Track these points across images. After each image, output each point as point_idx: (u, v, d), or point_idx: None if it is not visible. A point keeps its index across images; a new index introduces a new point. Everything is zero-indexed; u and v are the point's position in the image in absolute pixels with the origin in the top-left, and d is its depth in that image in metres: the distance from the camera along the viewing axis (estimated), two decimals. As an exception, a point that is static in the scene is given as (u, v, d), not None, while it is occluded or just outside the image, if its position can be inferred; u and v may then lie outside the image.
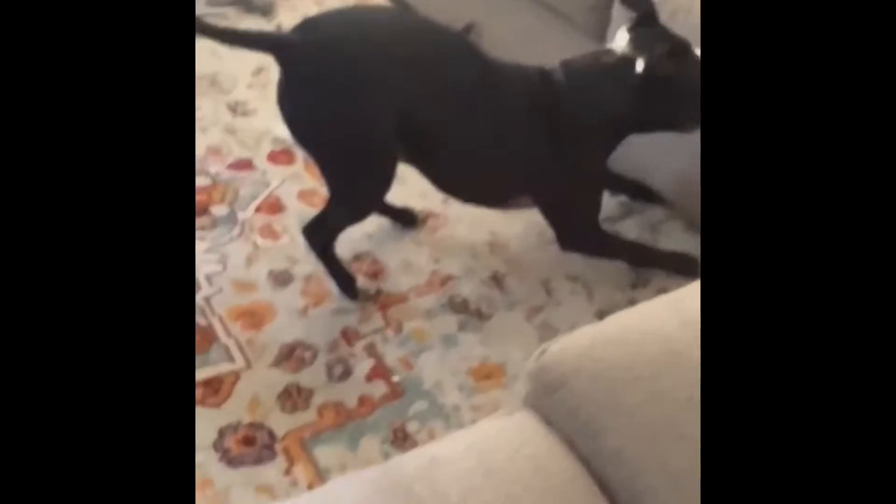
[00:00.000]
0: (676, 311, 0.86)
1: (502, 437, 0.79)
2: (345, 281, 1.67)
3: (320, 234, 1.61)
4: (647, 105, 1.53)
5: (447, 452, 0.77)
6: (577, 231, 1.73)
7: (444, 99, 1.51)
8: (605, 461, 0.78)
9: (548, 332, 1.63)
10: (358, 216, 1.63)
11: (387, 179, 1.55)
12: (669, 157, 1.81)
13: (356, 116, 1.44)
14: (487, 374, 1.54)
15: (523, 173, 1.64)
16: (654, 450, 0.77)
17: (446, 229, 1.89)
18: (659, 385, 0.79)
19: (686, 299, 0.88)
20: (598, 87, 1.56)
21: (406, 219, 1.87)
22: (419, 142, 1.52)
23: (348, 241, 1.68)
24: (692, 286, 0.92)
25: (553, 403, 0.83)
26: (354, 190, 1.56)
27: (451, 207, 1.94)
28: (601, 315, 1.58)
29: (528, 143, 1.60)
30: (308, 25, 1.50)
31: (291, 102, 1.45)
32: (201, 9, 2.80)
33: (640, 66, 1.50)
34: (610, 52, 1.58)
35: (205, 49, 2.57)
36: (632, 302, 1.66)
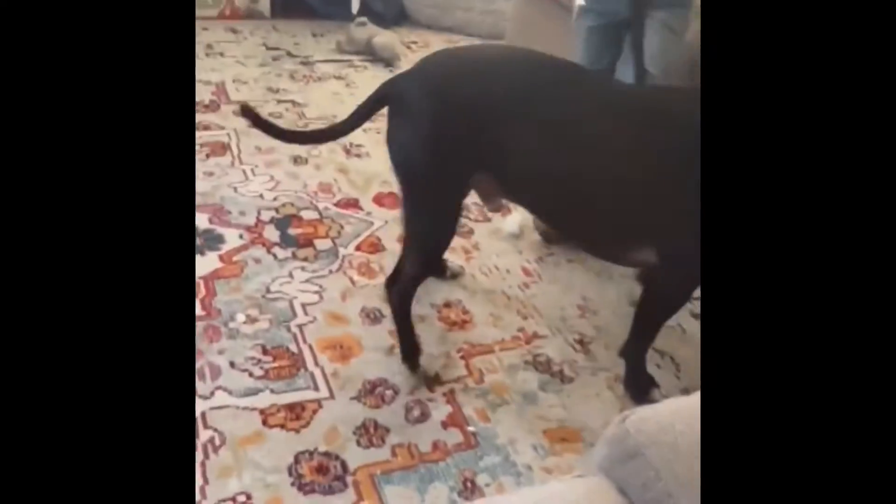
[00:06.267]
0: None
1: (571, 497, 0.78)
2: (410, 348, 1.63)
3: (398, 285, 1.61)
4: None
5: (516, 504, 0.77)
6: (682, 294, 1.49)
7: (552, 128, 1.38)
8: (676, 538, 0.76)
9: (630, 403, 1.59)
10: (429, 259, 1.62)
11: (456, 217, 1.54)
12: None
13: (436, 149, 1.43)
14: (564, 437, 1.52)
15: (654, 214, 1.36)
16: (729, 532, 0.74)
17: (538, 287, 1.90)
18: (740, 467, 0.77)
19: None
20: None
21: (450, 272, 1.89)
22: (521, 176, 1.44)
23: (440, 290, 1.71)
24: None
25: (628, 472, 0.81)
26: (428, 226, 1.54)
27: (545, 267, 1.96)
28: (686, 392, 1.54)
29: (663, 175, 1.32)
30: (420, 63, 1.51)
31: (390, 132, 1.50)
32: (329, 55, 2.96)
33: None
34: None
35: (328, 92, 2.73)
36: (721, 384, 1.61)
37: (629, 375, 1.61)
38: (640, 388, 1.60)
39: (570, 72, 1.47)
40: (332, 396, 1.55)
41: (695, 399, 0.85)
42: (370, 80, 2.77)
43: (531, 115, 1.37)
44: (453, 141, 1.41)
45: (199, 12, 2.98)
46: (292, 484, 1.36)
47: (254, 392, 1.53)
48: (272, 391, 1.53)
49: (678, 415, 0.82)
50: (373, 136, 2.47)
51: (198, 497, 1.30)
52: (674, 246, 1.37)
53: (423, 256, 1.59)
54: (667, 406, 0.84)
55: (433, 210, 1.52)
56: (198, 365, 1.56)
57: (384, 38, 2.99)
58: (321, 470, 1.40)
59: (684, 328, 1.80)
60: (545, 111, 1.37)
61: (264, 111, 2.51)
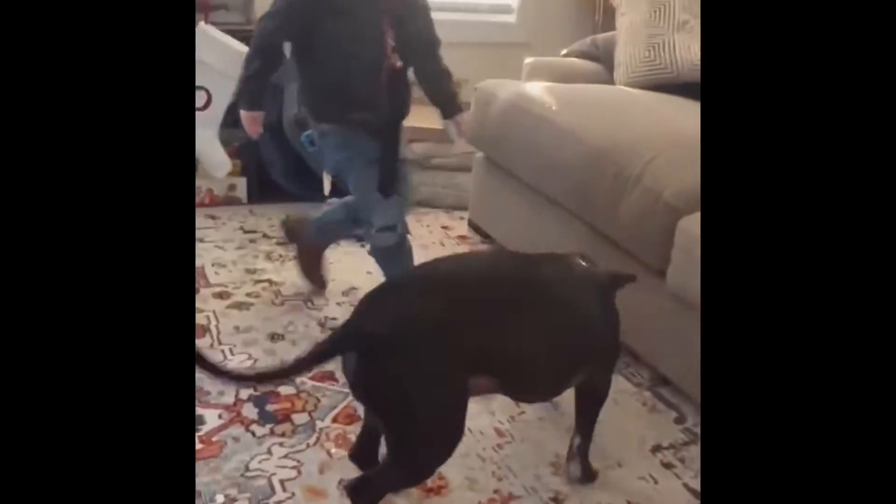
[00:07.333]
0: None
1: None
2: None
3: (365, 496, 1.52)
4: None
5: None
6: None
7: (528, 312, 1.58)
8: None
9: (609, 560, 1.61)
10: (419, 478, 1.56)
11: (459, 433, 1.52)
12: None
13: (444, 372, 1.45)
14: None
15: (590, 342, 1.71)
16: None
17: (511, 448, 1.95)
18: None
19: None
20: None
21: None
22: (507, 369, 1.55)
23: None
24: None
25: None
26: (426, 449, 1.51)
27: (517, 426, 2.01)
28: None
29: (588, 304, 1.71)
30: (371, 305, 1.52)
31: (368, 378, 1.46)
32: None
33: None
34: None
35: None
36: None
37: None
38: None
39: (516, 258, 1.80)
40: (311, 574, 1.55)
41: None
42: (342, 255, 2.93)
43: (513, 307, 1.56)
44: (457, 360, 1.46)
45: (180, 203, 3.17)
46: None
47: (233, 575, 1.53)
48: (251, 573, 1.53)
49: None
50: (346, 310, 2.58)
51: None
52: (601, 352, 1.75)
53: (410, 474, 1.55)
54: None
55: (439, 427, 1.50)
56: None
57: (355, 215, 3.18)
58: None
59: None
60: (517, 298, 1.58)
61: (242, 292, 2.63)
